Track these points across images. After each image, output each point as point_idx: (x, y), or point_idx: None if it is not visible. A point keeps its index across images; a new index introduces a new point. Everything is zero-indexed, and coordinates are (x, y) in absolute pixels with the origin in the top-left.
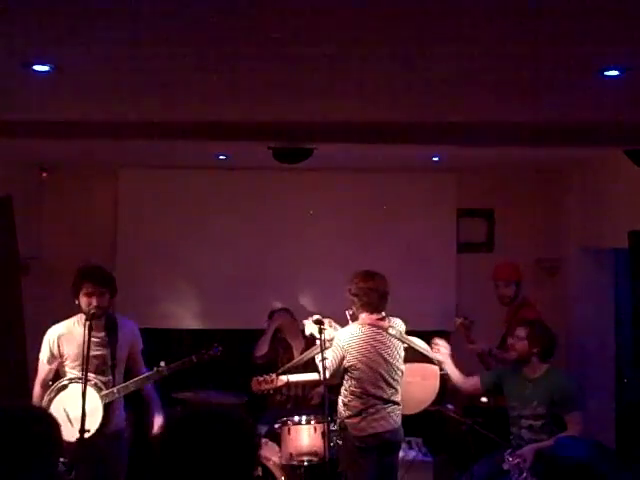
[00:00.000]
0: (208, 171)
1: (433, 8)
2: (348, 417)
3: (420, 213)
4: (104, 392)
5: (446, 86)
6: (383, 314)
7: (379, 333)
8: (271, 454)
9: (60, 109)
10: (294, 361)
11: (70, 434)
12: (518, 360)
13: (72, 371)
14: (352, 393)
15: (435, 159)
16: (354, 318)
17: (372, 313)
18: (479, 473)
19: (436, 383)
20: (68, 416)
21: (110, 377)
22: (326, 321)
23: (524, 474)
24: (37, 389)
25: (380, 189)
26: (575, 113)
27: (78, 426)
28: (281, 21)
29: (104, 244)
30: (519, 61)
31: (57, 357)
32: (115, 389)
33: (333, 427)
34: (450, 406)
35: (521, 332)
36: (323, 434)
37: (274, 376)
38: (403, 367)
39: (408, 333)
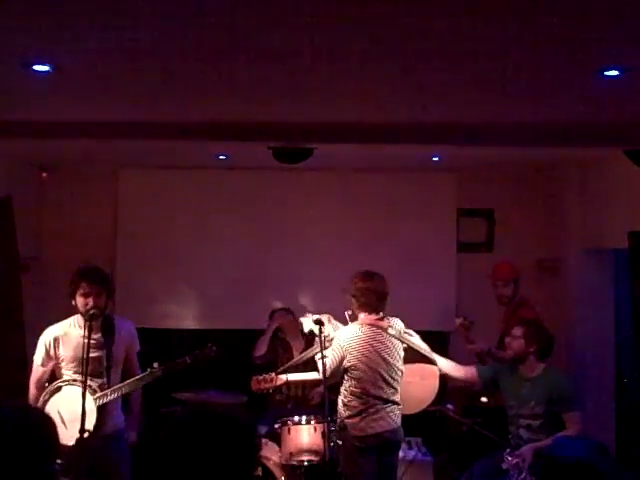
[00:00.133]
0: (208, 171)
1: (432, 9)
2: (348, 417)
3: (420, 213)
4: (98, 394)
5: (446, 86)
6: (382, 314)
7: (379, 333)
8: (271, 454)
9: (60, 109)
10: (294, 360)
11: (64, 437)
12: (514, 359)
13: (68, 373)
14: (352, 393)
15: (435, 159)
16: (353, 318)
17: (371, 314)
18: (479, 473)
19: (435, 383)
20: (62, 419)
21: (105, 379)
22: (325, 316)
23: (523, 474)
24: (32, 390)
25: (380, 189)
26: (575, 113)
27: (72, 428)
28: (281, 21)
29: (104, 244)
30: (519, 61)
31: (53, 358)
32: (108, 391)
33: (333, 427)
34: (450, 406)
35: (518, 331)
36: (323, 434)
37: (274, 375)
38: (403, 367)
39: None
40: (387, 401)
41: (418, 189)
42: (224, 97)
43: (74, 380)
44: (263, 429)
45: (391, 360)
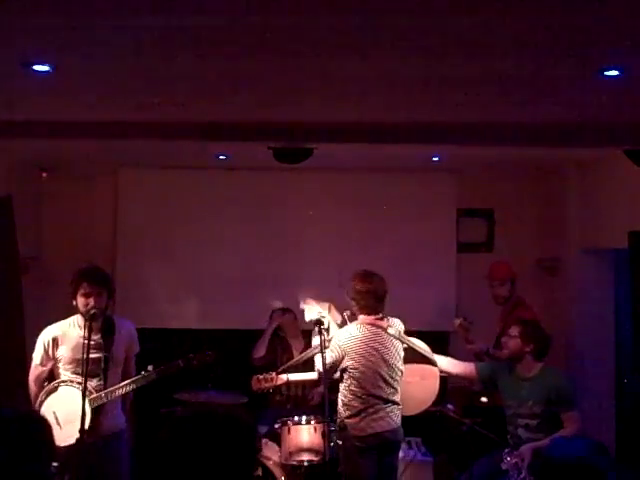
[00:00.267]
0: (208, 171)
1: (432, 9)
2: (348, 417)
3: (420, 213)
4: (93, 396)
5: (446, 86)
6: (381, 314)
7: (378, 333)
8: (271, 454)
9: (60, 109)
10: (293, 360)
11: (59, 438)
12: (511, 358)
13: (66, 373)
14: (352, 393)
15: (435, 159)
16: (353, 318)
17: (370, 314)
18: (479, 473)
19: (436, 383)
20: (57, 419)
21: (101, 381)
22: (326, 305)
23: (522, 473)
24: (33, 388)
25: (380, 189)
26: (575, 113)
27: (67, 429)
28: (281, 21)
29: (104, 244)
30: (519, 61)
31: (51, 358)
32: (103, 393)
33: (333, 427)
34: (450, 406)
35: (514, 331)
36: (323, 434)
37: (274, 374)
38: (403, 367)
39: (407, 333)
40: (387, 401)
41: (418, 189)
42: (224, 97)
43: (71, 381)
44: (263, 429)
45: (391, 360)
